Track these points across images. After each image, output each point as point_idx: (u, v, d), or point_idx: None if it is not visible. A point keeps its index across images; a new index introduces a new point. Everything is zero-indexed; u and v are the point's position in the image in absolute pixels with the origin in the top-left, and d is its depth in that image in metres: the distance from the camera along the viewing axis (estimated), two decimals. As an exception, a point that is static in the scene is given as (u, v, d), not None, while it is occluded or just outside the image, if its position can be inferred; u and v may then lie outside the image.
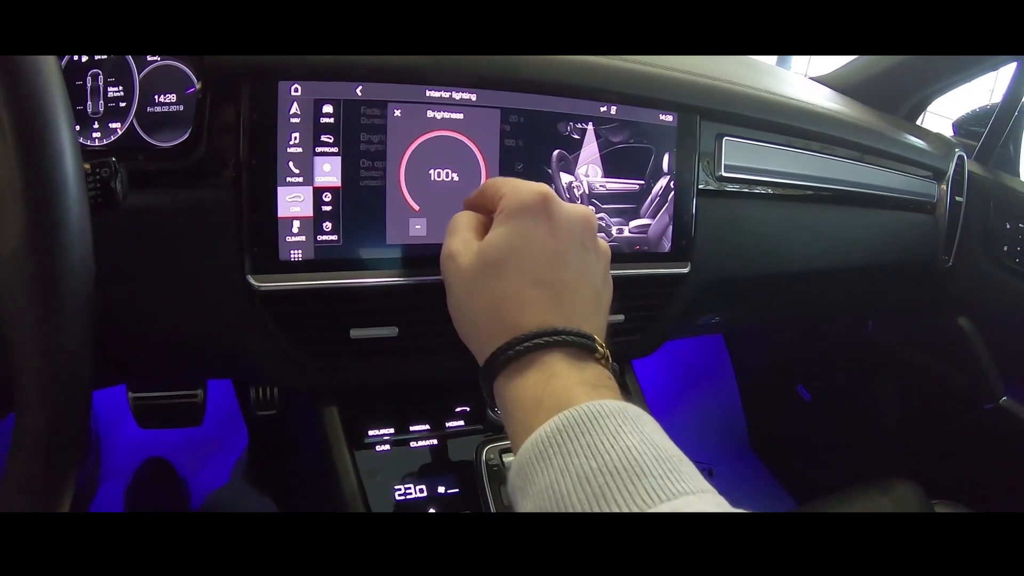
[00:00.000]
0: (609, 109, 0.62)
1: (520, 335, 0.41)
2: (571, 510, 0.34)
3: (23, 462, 0.34)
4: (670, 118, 0.65)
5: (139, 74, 0.51)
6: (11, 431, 0.34)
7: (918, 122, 1.15)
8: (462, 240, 0.46)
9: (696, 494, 0.34)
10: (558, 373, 0.40)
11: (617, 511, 0.33)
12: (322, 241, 0.54)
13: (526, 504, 0.37)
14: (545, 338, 0.41)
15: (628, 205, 0.65)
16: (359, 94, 0.53)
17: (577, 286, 0.45)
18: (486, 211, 0.48)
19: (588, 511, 0.33)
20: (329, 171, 0.53)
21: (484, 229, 0.47)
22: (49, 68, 0.33)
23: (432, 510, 0.58)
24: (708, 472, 1.42)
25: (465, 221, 0.48)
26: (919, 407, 1.23)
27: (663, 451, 0.36)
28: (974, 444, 1.13)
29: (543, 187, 0.45)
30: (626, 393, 0.72)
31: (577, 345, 0.42)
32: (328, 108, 0.53)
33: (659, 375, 1.56)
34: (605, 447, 0.35)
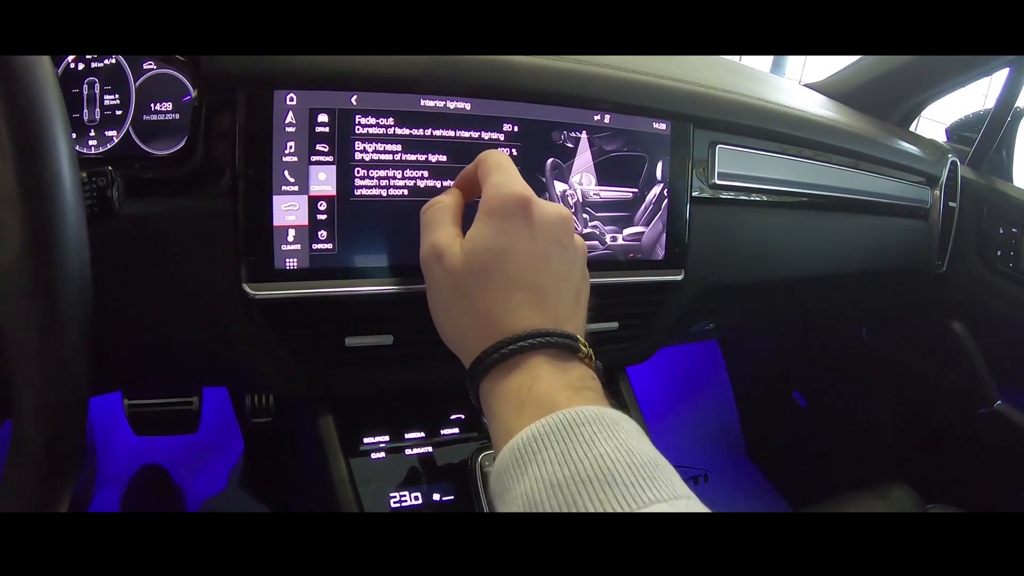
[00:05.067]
0: (603, 118, 0.62)
1: (506, 338, 0.42)
2: None
3: (20, 468, 0.35)
4: (663, 126, 0.66)
5: (135, 82, 0.51)
6: (9, 437, 0.35)
7: (912, 128, 1.16)
8: (445, 236, 0.46)
9: (668, 501, 0.34)
10: (542, 376, 0.41)
11: None
12: (317, 250, 0.54)
13: (504, 510, 0.37)
14: (531, 340, 0.42)
15: (622, 213, 0.65)
16: (354, 103, 0.54)
17: (558, 286, 0.45)
18: (472, 187, 0.49)
19: None
20: (324, 180, 0.54)
21: (461, 217, 0.47)
22: (45, 71, 0.33)
23: None
24: (704, 478, 1.42)
25: (443, 214, 0.48)
26: (914, 412, 1.23)
27: (638, 457, 0.36)
28: (969, 448, 1.14)
29: (524, 191, 0.46)
30: (619, 400, 0.72)
31: (561, 346, 0.42)
32: (323, 117, 0.53)
33: (655, 382, 1.56)
34: (579, 455, 0.35)
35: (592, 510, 0.33)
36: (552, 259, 0.45)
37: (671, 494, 0.35)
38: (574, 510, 0.34)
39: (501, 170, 0.47)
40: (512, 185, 0.46)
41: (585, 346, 0.44)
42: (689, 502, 0.35)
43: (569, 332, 0.43)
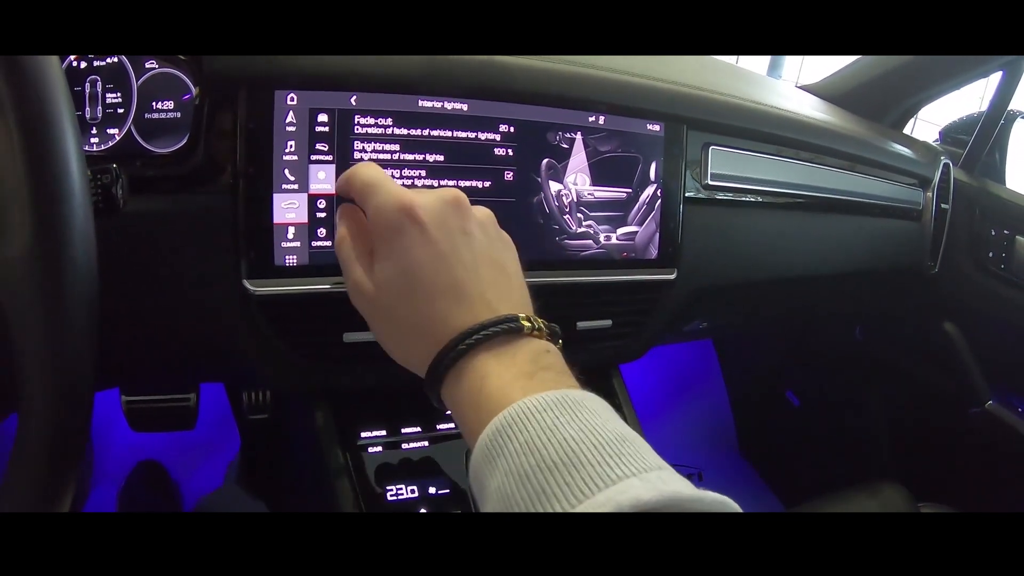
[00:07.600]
0: (597, 119, 0.63)
1: (443, 347, 0.41)
2: (517, 510, 0.34)
3: (26, 463, 0.35)
4: (657, 128, 0.67)
5: (137, 81, 0.52)
6: (13, 431, 0.35)
7: (907, 130, 1.17)
8: (355, 273, 0.46)
9: (637, 475, 0.33)
10: (488, 373, 0.40)
11: (558, 506, 0.32)
12: (316, 247, 0.55)
13: (485, 508, 0.37)
14: (466, 342, 0.40)
15: (616, 213, 0.66)
16: (353, 103, 0.54)
17: (477, 274, 0.44)
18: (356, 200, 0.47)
19: (531, 510, 0.33)
20: (323, 178, 0.55)
21: (364, 240, 0.46)
22: (54, 71, 0.34)
23: (423, 510, 0.59)
24: (698, 476, 1.43)
25: (347, 252, 0.47)
26: (906, 412, 1.24)
27: (603, 436, 0.35)
28: (960, 448, 1.15)
29: (403, 199, 0.44)
30: (612, 398, 0.73)
31: (502, 333, 0.41)
32: (323, 117, 0.54)
33: (649, 381, 1.57)
34: (542, 442, 0.35)
35: (560, 495, 0.32)
36: (459, 251, 0.44)
37: (641, 467, 0.33)
38: (543, 498, 0.33)
39: (374, 189, 0.45)
40: (390, 201, 0.44)
41: (529, 320, 0.42)
42: (661, 473, 0.34)
43: (506, 315, 0.42)
